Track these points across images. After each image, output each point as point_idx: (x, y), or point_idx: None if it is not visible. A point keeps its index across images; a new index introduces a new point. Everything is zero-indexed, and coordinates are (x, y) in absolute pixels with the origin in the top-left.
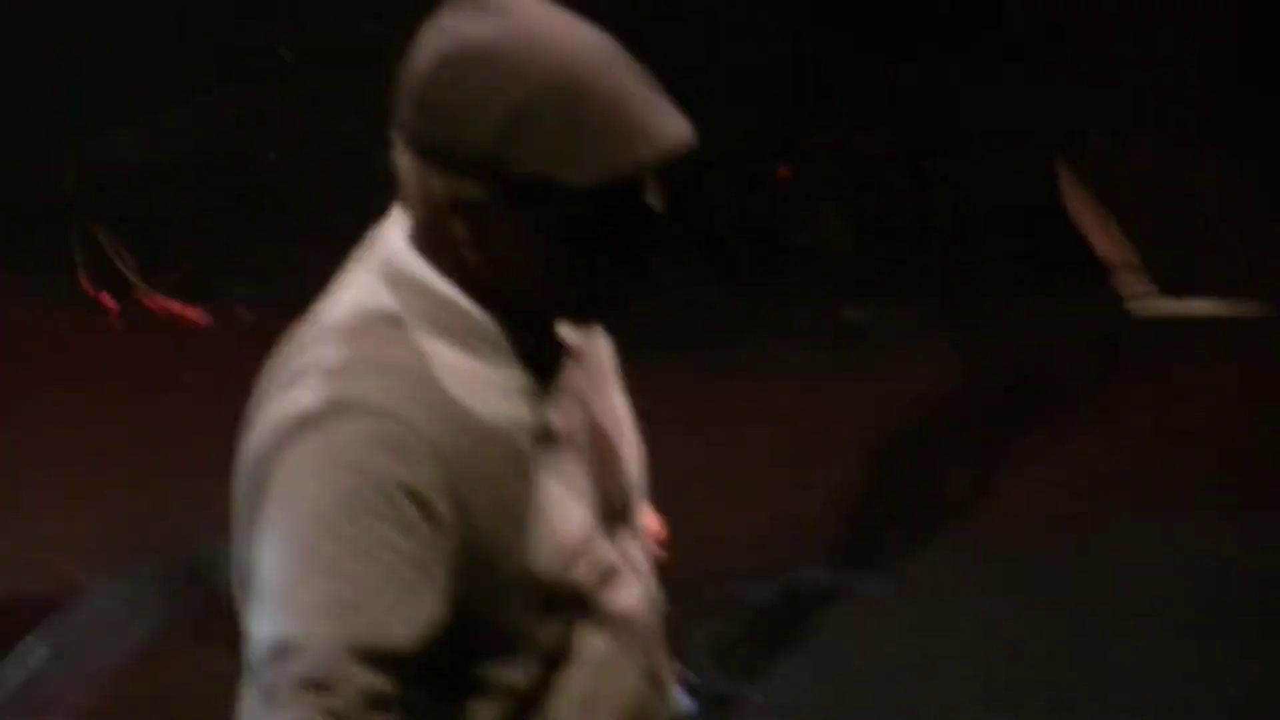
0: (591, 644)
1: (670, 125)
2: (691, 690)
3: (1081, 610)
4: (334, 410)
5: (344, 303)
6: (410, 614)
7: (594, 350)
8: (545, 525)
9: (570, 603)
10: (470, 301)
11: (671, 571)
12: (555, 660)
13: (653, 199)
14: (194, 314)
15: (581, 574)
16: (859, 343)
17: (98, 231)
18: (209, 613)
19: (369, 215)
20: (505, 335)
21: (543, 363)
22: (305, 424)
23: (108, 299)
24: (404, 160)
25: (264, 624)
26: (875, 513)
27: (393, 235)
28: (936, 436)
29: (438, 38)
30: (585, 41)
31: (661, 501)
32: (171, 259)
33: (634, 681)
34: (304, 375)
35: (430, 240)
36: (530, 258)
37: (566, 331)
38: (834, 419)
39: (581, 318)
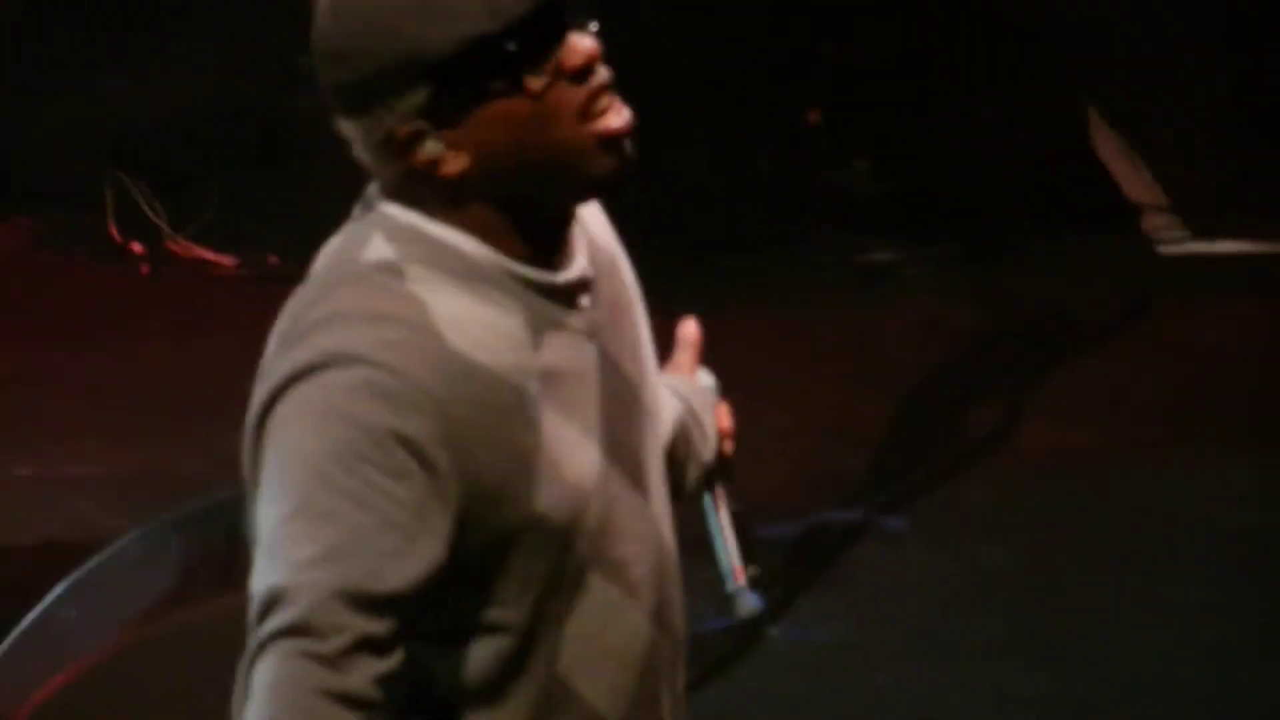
0: (597, 587)
1: None
2: (759, 586)
3: (1103, 544)
4: (327, 362)
5: (341, 257)
6: (404, 559)
7: (614, 288)
8: (553, 470)
9: (578, 546)
10: (469, 239)
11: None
12: (560, 603)
13: (570, 18)
14: (223, 261)
15: (591, 517)
16: (883, 284)
17: (128, 180)
18: (234, 557)
19: None
20: (509, 271)
21: (553, 295)
22: (299, 377)
23: (137, 246)
24: (349, 132)
25: (259, 577)
26: (897, 451)
27: (376, 206)
28: (958, 376)
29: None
30: None
31: None
32: (201, 207)
33: (641, 624)
34: (301, 332)
35: (412, 189)
36: (511, 126)
37: (581, 265)
38: (857, 359)
39: (601, 160)
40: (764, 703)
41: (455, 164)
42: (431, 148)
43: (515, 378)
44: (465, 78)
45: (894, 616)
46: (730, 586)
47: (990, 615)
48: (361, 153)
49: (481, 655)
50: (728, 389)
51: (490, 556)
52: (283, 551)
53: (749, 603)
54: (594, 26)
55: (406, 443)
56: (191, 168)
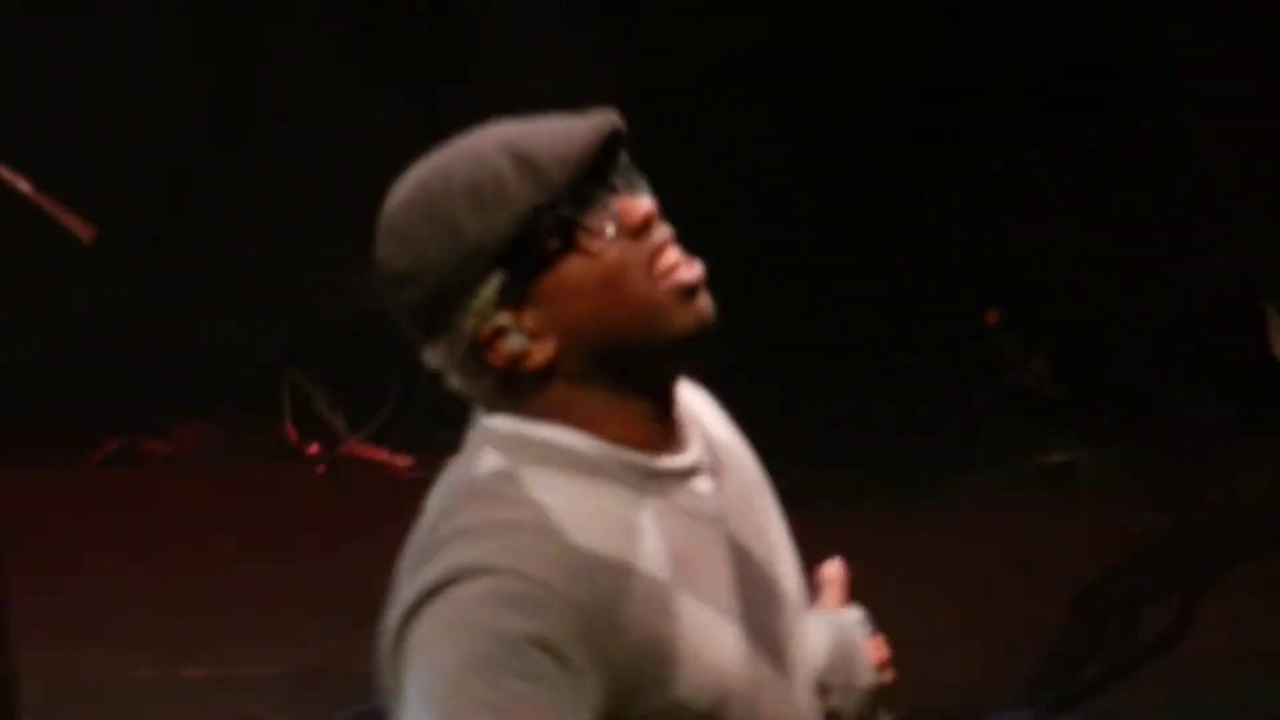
0: None
1: (595, 117)
2: None
3: None
4: (456, 576)
5: (456, 479)
6: None
7: (739, 475)
8: (693, 654)
9: None
10: (574, 433)
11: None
12: None
13: (621, 183)
14: (398, 462)
15: (736, 701)
16: (1061, 485)
17: (304, 381)
18: None
19: None
20: (620, 460)
21: (669, 480)
22: (430, 595)
23: (313, 447)
24: (437, 360)
25: None
26: (1075, 650)
27: (481, 423)
28: (1136, 574)
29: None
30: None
31: None
32: (377, 408)
33: None
34: (428, 554)
35: (509, 395)
36: (584, 294)
37: (696, 450)
38: (1033, 558)
39: (681, 313)
40: None
41: (541, 352)
42: (516, 342)
43: (644, 565)
44: (528, 253)
45: None
46: None
47: None
48: (454, 376)
49: None
50: (909, 586)
51: None
52: None
53: None
54: (645, 190)
55: (542, 645)
56: (368, 368)
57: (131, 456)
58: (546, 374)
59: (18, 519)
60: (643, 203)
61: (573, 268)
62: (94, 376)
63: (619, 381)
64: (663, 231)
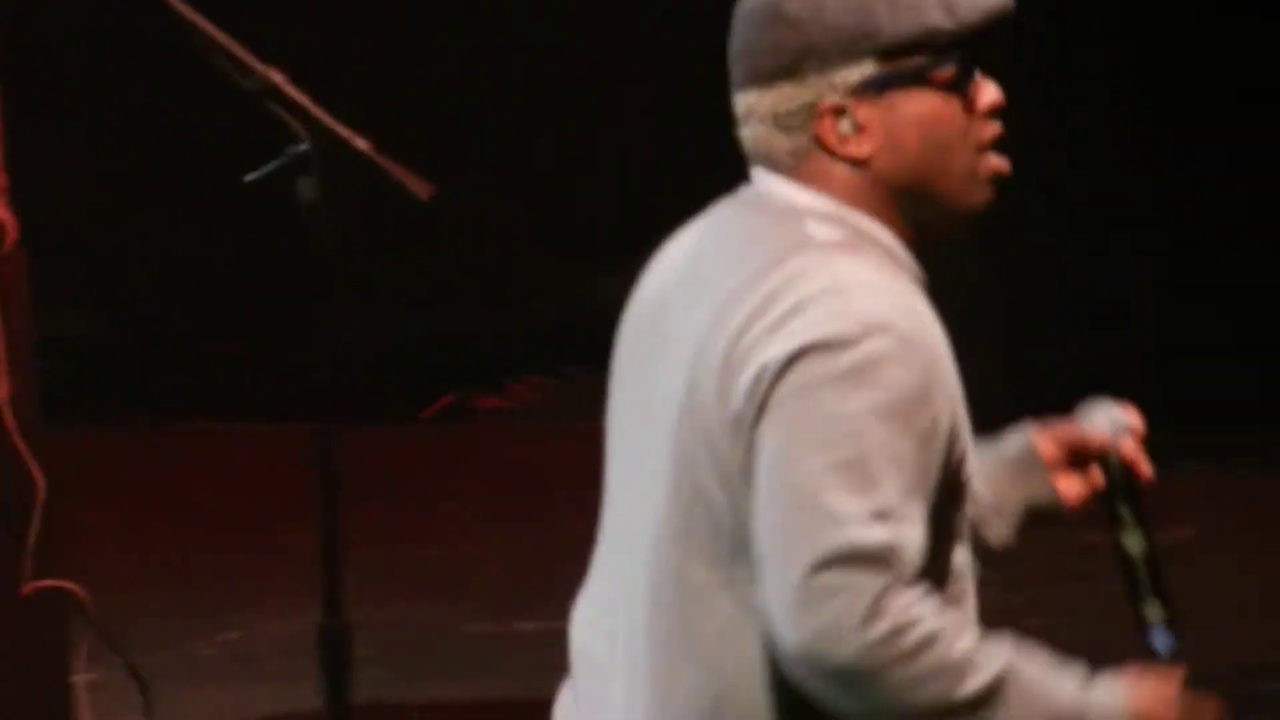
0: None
1: None
2: (1171, 625)
3: None
4: (862, 331)
5: (787, 236)
6: (921, 517)
7: None
8: (960, 430)
9: (960, 504)
10: (876, 224)
11: None
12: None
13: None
14: None
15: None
16: None
17: None
18: None
19: None
20: (908, 263)
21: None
22: (832, 346)
23: None
24: (751, 101)
25: (810, 533)
26: None
27: (779, 189)
28: None
29: None
30: None
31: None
32: None
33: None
34: (805, 300)
35: (810, 166)
36: (923, 126)
37: None
38: None
39: (982, 192)
40: None
41: (859, 147)
42: (844, 126)
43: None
44: (906, 64)
45: None
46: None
47: None
48: (759, 127)
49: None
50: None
51: (943, 502)
52: (842, 508)
53: (1155, 642)
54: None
55: (928, 405)
56: None
57: (464, 412)
58: (851, 165)
59: (353, 475)
60: (996, 90)
61: (922, 101)
62: (429, 331)
63: (904, 209)
64: (998, 125)
